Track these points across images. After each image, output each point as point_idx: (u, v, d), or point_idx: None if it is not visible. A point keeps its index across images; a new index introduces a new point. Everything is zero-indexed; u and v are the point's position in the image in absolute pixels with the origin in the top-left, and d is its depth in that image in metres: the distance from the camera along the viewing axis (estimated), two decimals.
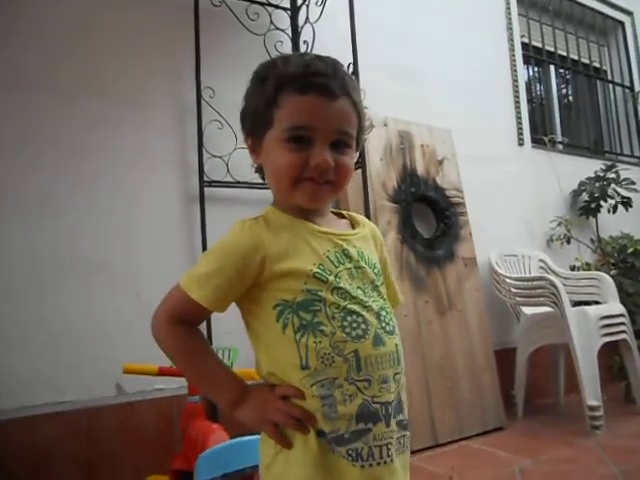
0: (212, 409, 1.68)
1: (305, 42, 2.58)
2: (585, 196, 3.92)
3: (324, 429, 0.77)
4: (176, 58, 2.47)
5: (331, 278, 0.81)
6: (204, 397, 1.63)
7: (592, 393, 2.64)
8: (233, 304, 0.85)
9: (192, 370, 0.87)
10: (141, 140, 2.33)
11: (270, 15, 2.59)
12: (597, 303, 3.12)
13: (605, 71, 4.89)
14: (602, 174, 3.91)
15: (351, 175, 0.87)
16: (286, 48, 2.62)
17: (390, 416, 0.80)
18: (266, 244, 0.80)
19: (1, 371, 1.93)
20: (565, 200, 3.98)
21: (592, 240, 3.94)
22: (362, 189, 2.38)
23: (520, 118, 3.83)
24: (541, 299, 2.94)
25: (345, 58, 2.32)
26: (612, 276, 3.29)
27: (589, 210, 3.89)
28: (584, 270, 3.65)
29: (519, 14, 4.07)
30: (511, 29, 3.92)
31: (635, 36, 4.88)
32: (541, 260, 3.52)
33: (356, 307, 0.81)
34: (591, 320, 2.77)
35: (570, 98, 4.84)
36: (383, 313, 0.85)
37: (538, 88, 4.53)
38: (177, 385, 2.02)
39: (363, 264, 0.86)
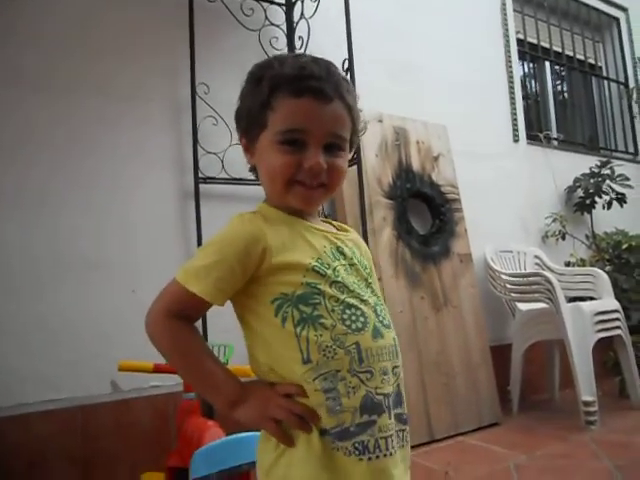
0: (208, 406, 1.68)
1: (300, 38, 2.57)
2: (580, 192, 3.93)
3: (329, 424, 0.77)
4: (171, 55, 2.45)
5: (329, 272, 0.82)
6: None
7: (587, 388, 2.66)
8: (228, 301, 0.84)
9: (188, 369, 0.84)
10: (137, 137, 2.33)
11: (265, 11, 2.59)
12: (592, 299, 3.14)
13: (600, 67, 4.90)
14: (597, 170, 3.92)
15: (344, 177, 0.88)
16: (281, 44, 2.61)
17: (390, 408, 0.80)
18: (267, 236, 0.80)
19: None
20: (560, 196, 3.99)
21: (587, 236, 3.95)
22: (357, 185, 2.38)
23: (515, 114, 3.84)
24: (536, 295, 2.94)
25: (340, 54, 2.33)
26: (607, 272, 3.31)
27: (584, 206, 3.90)
28: (579, 266, 3.66)
29: (514, 10, 4.07)
30: (506, 25, 3.92)
31: (630, 32, 4.88)
32: (536, 256, 3.53)
33: (354, 301, 0.82)
34: (586, 316, 2.78)
35: (565, 94, 4.85)
36: (379, 308, 0.86)
37: (533, 84, 4.54)
38: (173, 382, 2.02)
39: (356, 262, 0.88)
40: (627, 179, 3.85)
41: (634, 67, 4.84)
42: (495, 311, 3.25)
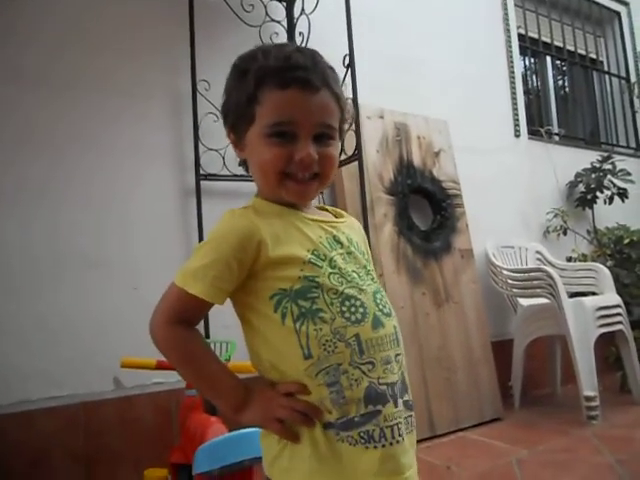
0: (210, 403, 1.68)
1: (301, 34, 2.56)
2: (581, 187, 3.93)
3: (333, 416, 0.77)
4: (172, 51, 2.45)
5: (326, 263, 0.81)
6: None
7: (588, 384, 2.66)
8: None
9: (194, 374, 0.84)
10: (138, 134, 2.33)
11: (265, 6, 2.58)
12: (594, 294, 3.14)
13: (601, 62, 4.88)
14: (598, 165, 3.91)
15: (336, 166, 0.88)
16: (282, 40, 2.61)
17: (397, 396, 0.80)
18: (261, 230, 0.80)
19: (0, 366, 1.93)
20: (561, 191, 3.98)
21: (588, 231, 3.95)
22: (358, 181, 2.38)
23: (516, 109, 3.83)
24: (538, 290, 2.94)
25: (341, 49, 2.33)
26: (608, 267, 3.30)
27: (585, 201, 3.90)
28: (580, 261, 3.66)
29: (515, 5, 4.05)
30: (507, 20, 3.90)
31: (631, 27, 4.86)
32: (538, 251, 3.53)
33: (353, 291, 0.81)
34: (587, 311, 2.78)
35: (566, 89, 4.83)
36: (379, 296, 0.85)
37: (534, 79, 4.53)
38: (175, 379, 2.02)
39: (353, 249, 0.87)
40: (629, 174, 3.84)
41: (635, 62, 4.83)
42: (496, 307, 3.25)
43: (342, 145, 2.40)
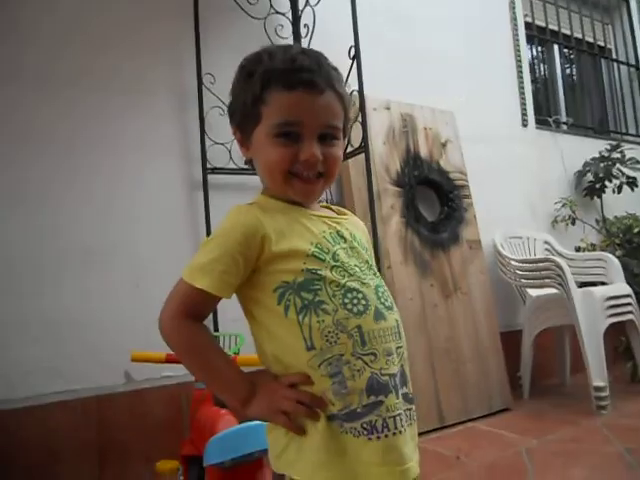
0: None
1: (306, 26, 2.55)
2: (590, 176, 3.90)
3: (336, 407, 0.78)
4: (177, 45, 2.45)
5: (329, 257, 0.83)
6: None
7: (598, 373, 2.65)
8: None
9: (202, 368, 0.86)
10: (143, 129, 2.33)
11: None
12: (603, 284, 3.12)
13: (610, 50, 4.83)
14: (607, 154, 3.88)
15: (340, 164, 0.90)
16: (287, 32, 2.60)
17: (398, 387, 0.82)
18: (265, 225, 0.82)
19: (10, 361, 1.95)
20: (570, 181, 3.95)
21: (597, 221, 3.92)
22: (365, 173, 2.37)
23: (524, 99, 3.80)
24: (547, 281, 2.93)
25: (346, 41, 2.32)
26: (617, 257, 3.29)
27: (594, 190, 3.87)
28: (589, 251, 3.63)
29: None
30: (514, 9, 3.87)
31: None
32: (546, 242, 3.52)
33: (355, 284, 0.83)
34: (597, 301, 2.77)
35: (574, 78, 4.79)
36: (381, 290, 0.87)
37: (542, 68, 4.49)
38: (184, 372, 2.02)
39: (356, 244, 0.89)
40: (638, 162, 3.82)
41: None
42: (505, 297, 3.24)
43: (348, 137, 2.40)
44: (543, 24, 4.26)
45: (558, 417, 2.63)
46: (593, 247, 3.70)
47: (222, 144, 2.37)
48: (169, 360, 1.56)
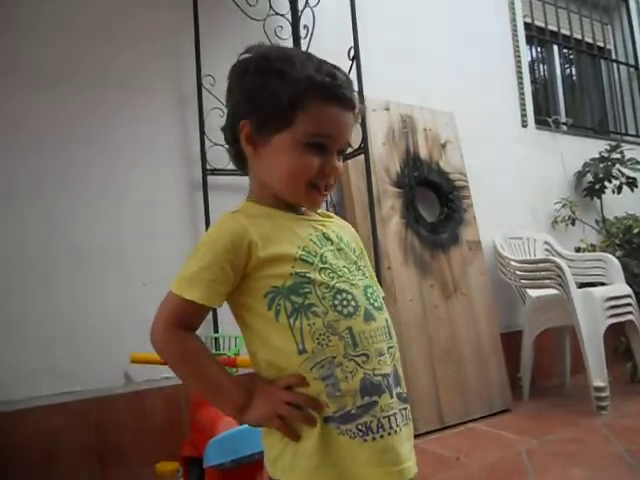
0: None
1: (305, 27, 2.56)
2: (589, 177, 3.90)
3: (331, 409, 0.78)
4: (176, 47, 2.46)
5: (317, 259, 0.83)
6: None
7: (598, 374, 2.65)
8: None
9: (196, 378, 0.85)
10: (144, 130, 2.33)
11: (269, 0, 2.57)
12: (603, 284, 3.12)
13: (609, 50, 4.83)
14: (607, 154, 3.88)
15: None
16: (286, 33, 2.60)
17: (392, 387, 0.82)
18: (250, 231, 0.81)
19: (8, 362, 1.94)
20: (569, 181, 3.95)
21: (597, 221, 3.92)
22: (365, 174, 2.37)
23: (523, 99, 3.80)
24: (546, 281, 2.93)
25: (346, 42, 2.32)
26: (617, 257, 3.29)
27: (594, 191, 3.87)
28: (589, 251, 3.63)
29: None
30: (514, 9, 3.87)
31: (639, 14, 4.80)
32: (546, 242, 3.52)
33: (344, 285, 0.83)
34: (597, 301, 2.77)
35: (574, 78, 4.79)
36: (370, 290, 0.87)
37: (541, 68, 4.49)
38: None
39: (343, 246, 0.89)
40: (638, 163, 3.81)
41: None
42: (505, 298, 3.24)
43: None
44: (543, 25, 4.26)
45: (558, 417, 2.63)
46: (593, 248, 3.70)
47: (222, 145, 2.35)
48: None
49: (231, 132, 0.90)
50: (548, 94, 4.39)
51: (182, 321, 0.82)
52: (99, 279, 2.16)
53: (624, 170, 3.83)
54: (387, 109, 2.92)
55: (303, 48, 2.58)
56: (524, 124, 3.79)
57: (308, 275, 0.81)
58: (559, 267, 2.82)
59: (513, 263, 3.10)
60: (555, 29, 4.35)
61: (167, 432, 2.13)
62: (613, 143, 3.96)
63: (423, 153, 2.98)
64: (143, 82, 2.37)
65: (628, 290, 2.99)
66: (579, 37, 4.52)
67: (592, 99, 4.66)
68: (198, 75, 2.39)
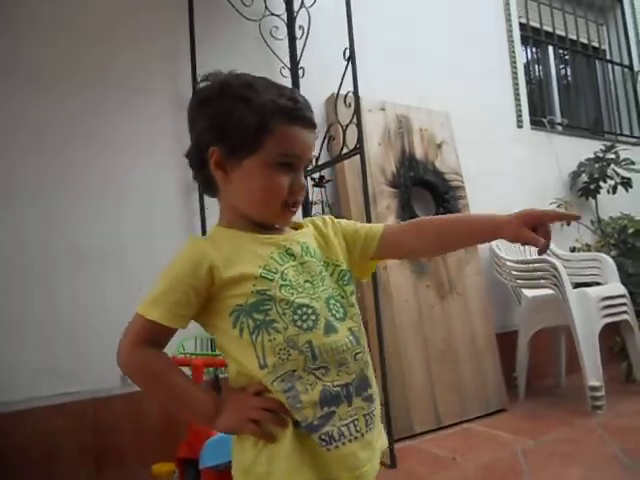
0: None
1: (301, 27, 2.56)
2: (584, 177, 3.91)
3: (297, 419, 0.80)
4: (171, 47, 2.45)
5: (277, 276, 0.84)
6: (208, 386, 1.64)
7: (593, 374, 2.66)
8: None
9: (162, 390, 0.86)
10: (139, 131, 2.33)
11: (265, 0, 2.57)
12: (598, 284, 3.13)
13: (604, 51, 4.85)
14: (601, 155, 3.89)
15: None
16: (281, 34, 2.60)
17: (352, 395, 0.83)
18: (211, 256, 0.83)
19: (8, 362, 1.94)
20: (564, 181, 3.97)
21: (592, 221, 3.93)
22: (360, 174, 2.37)
23: (519, 100, 3.81)
24: (542, 281, 2.94)
25: (341, 42, 2.31)
26: (612, 257, 3.30)
27: (589, 191, 3.89)
28: (584, 251, 3.64)
29: None
30: (509, 10, 3.88)
31: (634, 14, 4.83)
32: None
33: (305, 300, 0.84)
34: (592, 301, 2.78)
35: (569, 79, 4.81)
36: (332, 302, 0.88)
37: (537, 69, 4.50)
38: None
39: (308, 258, 0.90)
40: (632, 163, 3.82)
41: (638, 50, 4.79)
42: (501, 298, 3.25)
43: (344, 139, 2.40)
44: (538, 25, 4.27)
45: (554, 417, 2.64)
46: (588, 247, 3.71)
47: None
48: None
49: (197, 158, 0.91)
50: (543, 94, 4.40)
51: (147, 341, 0.84)
52: (99, 279, 2.15)
53: (619, 170, 3.85)
54: (383, 109, 2.92)
55: (299, 48, 2.59)
56: (519, 124, 3.80)
57: (268, 293, 0.82)
58: (554, 267, 2.83)
59: (509, 263, 3.11)
60: (550, 30, 4.36)
61: (164, 434, 2.12)
62: (608, 143, 3.98)
63: (419, 153, 2.99)
64: (143, 82, 2.37)
65: (623, 290, 3.00)
66: (574, 38, 4.53)
67: (587, 99, 4.68)
68: (194, 76, 2.38)
